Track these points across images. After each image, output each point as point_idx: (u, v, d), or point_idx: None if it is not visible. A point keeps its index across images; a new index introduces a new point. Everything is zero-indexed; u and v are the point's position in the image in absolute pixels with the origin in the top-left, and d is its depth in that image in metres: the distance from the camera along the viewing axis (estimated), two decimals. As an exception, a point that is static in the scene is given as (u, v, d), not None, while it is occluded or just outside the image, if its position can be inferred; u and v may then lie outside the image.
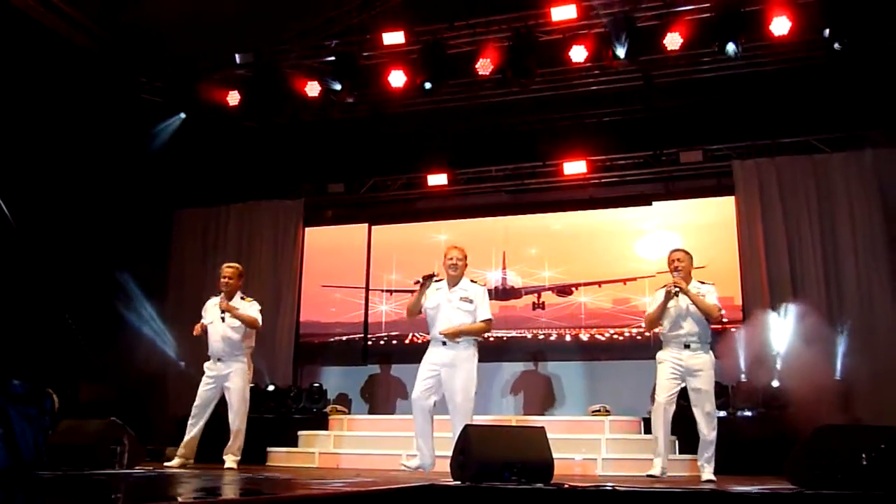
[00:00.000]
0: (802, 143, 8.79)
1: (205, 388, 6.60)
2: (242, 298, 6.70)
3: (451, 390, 5.74)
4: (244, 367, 6.67)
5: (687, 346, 5.62)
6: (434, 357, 5.86)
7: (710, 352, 5.73)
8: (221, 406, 6.68)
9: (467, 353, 5.79)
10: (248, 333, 6.68)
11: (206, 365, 6.68)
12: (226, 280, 6.63)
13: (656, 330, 6.03)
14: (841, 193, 8.41)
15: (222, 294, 6.66)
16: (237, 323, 6.56)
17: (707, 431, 5.56)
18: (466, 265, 6.01)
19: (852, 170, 8.41)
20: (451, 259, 5.91)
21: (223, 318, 6.58)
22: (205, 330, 6.65)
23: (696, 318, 5.63)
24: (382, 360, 9.88)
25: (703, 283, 5.81)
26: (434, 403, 5.86)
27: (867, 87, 8.04)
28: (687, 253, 5.83)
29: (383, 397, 9.77)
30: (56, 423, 4.77)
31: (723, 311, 5.81)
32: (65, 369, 8.28)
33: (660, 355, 5.79)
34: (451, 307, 5.85)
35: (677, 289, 5.62)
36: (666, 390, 5.63)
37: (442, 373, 5.77)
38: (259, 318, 6.68)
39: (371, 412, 9.66)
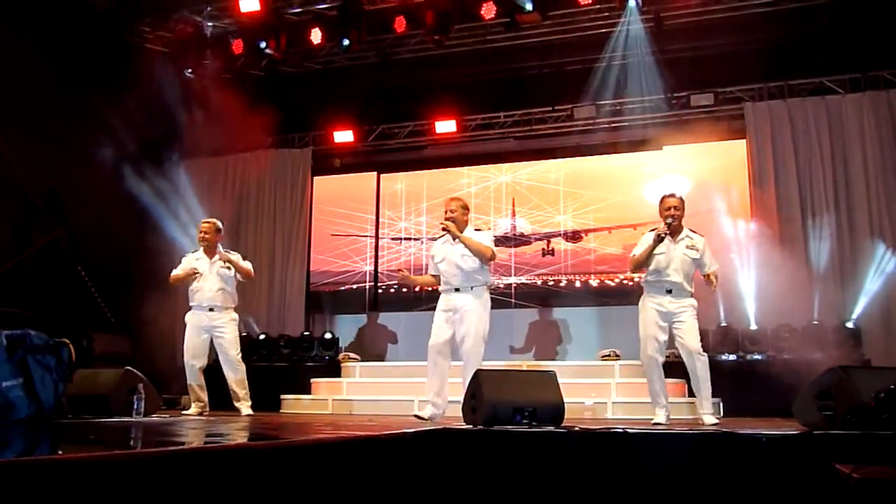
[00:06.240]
0: (815, 84, 8.66)
1: (196, 338, 6.56)
2: (227, 251, 6.67)
3: (462, 335, 5.74)
4: (236, 317, 6.70)
5: (669, 292, 5.45)
6: (447, 304, 5.85)
7: (692, 297, 5.51)
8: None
9: (480, 300, 5.78)
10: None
11: (190, 316, 6.62)
12: (202, 235, 6.60)
13: (639, 275, 5.82)
14: (854, 135, 8.31)
15: (201, 249, 6.65)
16: (229, 272, 6.58)
17: (699, 366, 5.34)
18: (464, 214, 5.90)
19: (866, 111, 8.30)
20: (446, 212, 5.88)
21: (220, 269, 6.58)
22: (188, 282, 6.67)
23: (684, 268, 5.44)
24: (393, 307, 9.94)
25: (693, 231, 5.57)
26: (450, 350, 5.89)
27: (882, 26, 7.88)
28: (682, 200, 5.58)
29: (395, 344, 9.87)
30: (72, 374, 4.83)
31: (715, 269, 5.53)
32: (80, 321, 8.37)
33: (641, 303, 5.58)
34: (457, 255, 5.83)
35: (665, 235, 5.39)
36: (652, 341, 5.43)
37: (455, 318, 5.80)
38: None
39: (383, 359, 9.76)
